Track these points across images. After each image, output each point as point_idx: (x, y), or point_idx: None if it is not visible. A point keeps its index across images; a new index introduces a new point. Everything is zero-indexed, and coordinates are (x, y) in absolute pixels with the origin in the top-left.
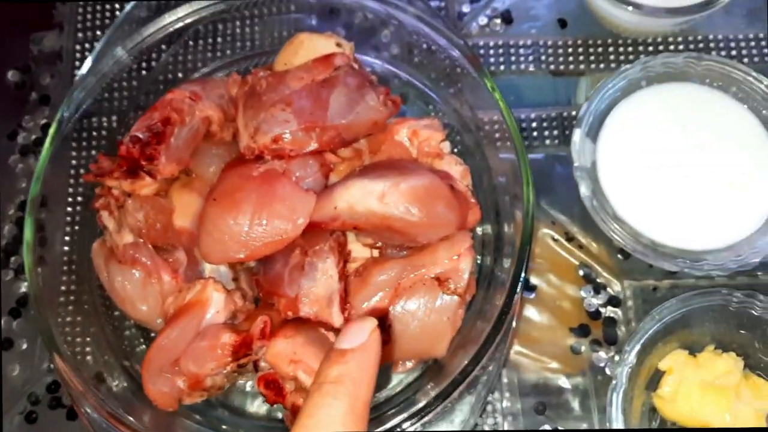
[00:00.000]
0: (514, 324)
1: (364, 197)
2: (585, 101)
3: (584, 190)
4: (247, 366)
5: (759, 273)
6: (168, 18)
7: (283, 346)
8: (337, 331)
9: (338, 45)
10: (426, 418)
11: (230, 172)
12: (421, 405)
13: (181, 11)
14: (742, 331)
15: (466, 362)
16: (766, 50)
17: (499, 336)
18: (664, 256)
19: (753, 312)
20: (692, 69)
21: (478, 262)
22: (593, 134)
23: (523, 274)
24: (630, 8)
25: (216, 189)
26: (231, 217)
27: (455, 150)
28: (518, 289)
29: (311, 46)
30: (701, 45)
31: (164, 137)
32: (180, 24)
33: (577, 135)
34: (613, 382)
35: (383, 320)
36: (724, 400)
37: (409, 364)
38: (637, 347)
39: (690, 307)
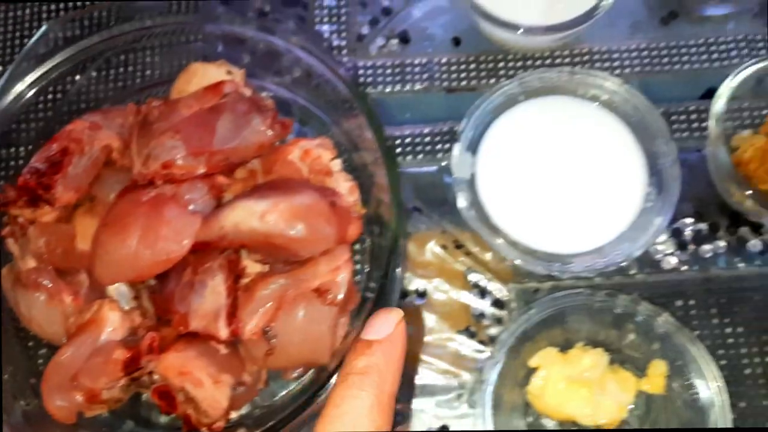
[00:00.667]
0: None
1: (247, 217)
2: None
3: (462, 201)
4: (142, 379)
5: (633, 272)
6: (74, 49)
7: (172, 360)
8: (226, 344)
9: (229, 73)
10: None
11: (123, 198)
12: (291, 409)
13: (87, 42)
14: (608, 328)
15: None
16: (646, 60)
17: None
18: (535, 260)
19: (615, 310)
20: (566, 82)
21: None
22: (473, 147)
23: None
24: (508, 30)
25: (108, 214)
26: (119, 241)
27: (346, 167)
28: (392, 296)
29: (203, 75)
30: (586, 57)
31: (61, 167)
32: (87, 54)
33: (457, 148)
34: (483, 380)
35: (267, 332)
36: (587, 393)
37: (296, 373)
38: (505, 348)
39: (555, 308)
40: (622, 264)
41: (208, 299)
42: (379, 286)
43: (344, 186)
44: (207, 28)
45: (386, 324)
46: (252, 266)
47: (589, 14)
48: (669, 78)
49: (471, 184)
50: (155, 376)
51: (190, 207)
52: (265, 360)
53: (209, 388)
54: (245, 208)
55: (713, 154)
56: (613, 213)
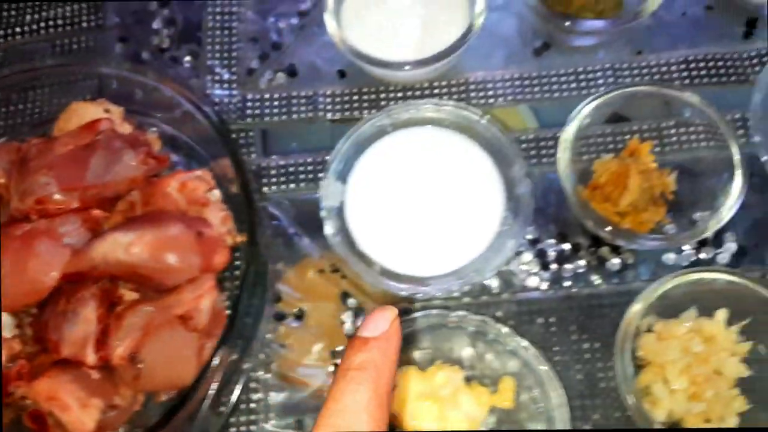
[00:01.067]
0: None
1: (115, 248)
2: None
3: (328, 228)
4: (25, 402)
5: (498, 291)
6: None
7: (42, 386)
8: (98, 369)
9: (107, 111)
10: None
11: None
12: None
13: None
14: (465, 346)
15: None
16: (518, 90)
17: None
18: (395, 283)
19: (469, 328)
20: (433, 114)
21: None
22: (343, 177)
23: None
24: (380, 68)
25: None
26: None
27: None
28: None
29: (83, 114)
30: (462, 87)
31: None
32: None
33: (326, 177)
34: None
35: (135, 357)
36: (438, 410)
37: (165, 396)
38: None
39: (411, 328)
40: (476, 284)
41: (80, 327)
42: (233, 308)
43: (217, 216)
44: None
45: (382, 321)
46: (129, 294)
47: (454, 47)
48: (540, 105)
49: (340, 211)
50: (27, 401)
51: (64, 240)
52: (134, 384)
53: (76, 412)
54: (113, 241)
55: (563, 180)
56: (471, 237)
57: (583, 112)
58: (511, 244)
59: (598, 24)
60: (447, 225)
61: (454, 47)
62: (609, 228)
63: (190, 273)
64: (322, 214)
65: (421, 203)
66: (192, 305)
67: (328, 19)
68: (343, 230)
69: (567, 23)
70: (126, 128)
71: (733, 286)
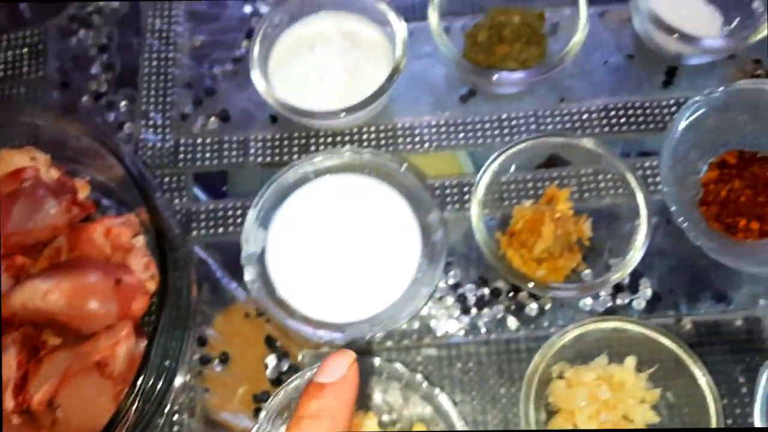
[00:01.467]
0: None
1: (33, 296)
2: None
3: (248, 275)
4: None
5: (418, 336)
6: None
7: None
8: (19, 414)
9: (33, 158)
10: None
11: None
12: None
13: None
14: (378, 392)
15: None
16: (444, 135)
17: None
18: (315, 329)
19: (383, 374)
20: (354, 161)
21: None
22: (265, 223)
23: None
24: (305, 118)
25: None
26: None
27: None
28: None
29: (9, 162)
30: (390, 133)
31: None
32: None
33: (248, 223)
34: None
35: (52, 403)
36: None
37: None
38: (269, 416)
39: None
40: (391, 330)
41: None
42: (146, 352)
43: (140, 262)
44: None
45: (339, 367)
46: (53, 339)
47: (378, 93)
48: (471, 150)
49: (261, 258)
50: None
51: None
52: (51, 430)
53: None
54: (32, 288)
55: (475, 231)
56: (387, 284)
57: (498, 161)
58: (425, 291)
59: (519, 75)
60: (364, 272)
61: (379, 93)
62: (522, 280)
63: (108, 320)
64: (243, 260)
65: (340, 250)
66: (108, 352)
67: (254, 74)
68: (263, 276)
69: (491, 76)
70: (53, 175)
71: (643, 334)
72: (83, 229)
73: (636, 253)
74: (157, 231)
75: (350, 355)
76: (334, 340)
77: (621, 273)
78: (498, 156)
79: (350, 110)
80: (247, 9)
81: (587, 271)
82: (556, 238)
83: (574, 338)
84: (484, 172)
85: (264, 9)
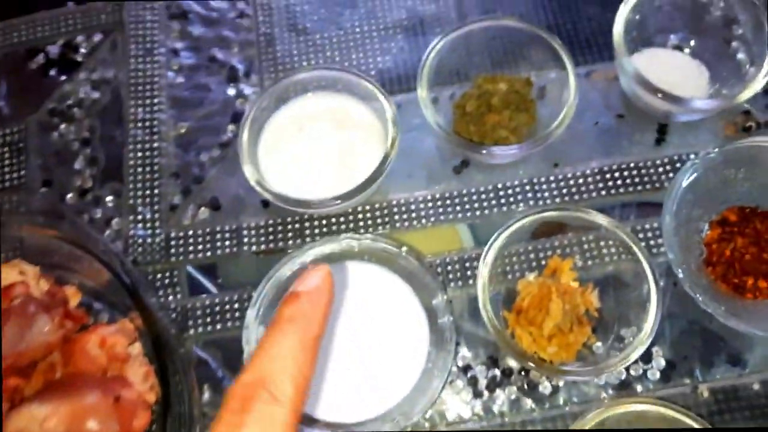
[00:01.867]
0: None
1: (30, 423)
2: (255, 291)
3: None
4: None
5: (428, 426)
6: None
7: None
8: None
9: (21, 273)
10: None
11: None
12: None
13: None
14: None
15: None
16: (441, 209)
17: None
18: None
19: None
20: (352, 247)
21: None
22: (265, 320)
23: None
24: (296, 207)
25: None
26: None
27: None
28: None
29: None
30: (386, 210)
31: None
32: None
33: (248, 321)
34: None
35: None
36: None
37: None
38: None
39: None
40: (403, 428)
41: None
42: None
43: (138, 373)
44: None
45: (314, 277)
46: None
47: (372, 179)
48: (469, 223)
49: None
50: None
51: None
52: None
53: None
54: (28, 415)
55: (484, 316)
56: (396, 377)
57: (500, 239)
58: (437, 382)
59: (512, 150)
60: (371, 366)
61: (372, 178)
62: (535, 364)
63: None
64: (245, 359)
65: (344, 344)
66: None
67: (246, 167)
68: None
69: (483, 151)
70: (43, 287)
71: (663, 415)
72: (77, 341)
73: (650, 327)
74: (154, 338)
75: (325, 268)
76: None
77: (639, 349)
78: (499, 235)
79: (344, 197)
80: (231, 91)
81: (598, 344)
82: (565, 312)
83: (596, 425)
84: (487, 252)
85: (248, 90)
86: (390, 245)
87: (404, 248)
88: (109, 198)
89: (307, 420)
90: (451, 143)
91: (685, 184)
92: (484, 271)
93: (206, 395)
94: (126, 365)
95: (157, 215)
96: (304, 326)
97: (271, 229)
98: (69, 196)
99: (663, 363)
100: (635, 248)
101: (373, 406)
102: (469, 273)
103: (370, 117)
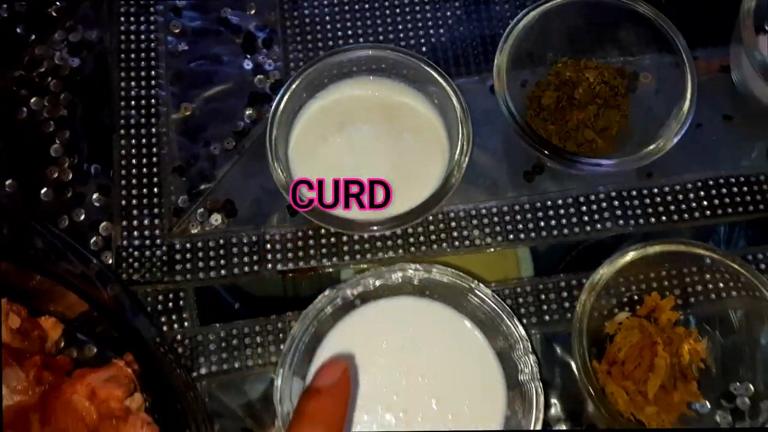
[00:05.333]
0: None
1: None
2: (288, 335)
3: None
4: None
5: None
6: None
7: None
8: None
9: None
10: None
11: None
12: None
13: None
14: None
15: None
16: (510, 227)
17: None
18: None
19: None
20: (411, 279)
21: None
22: (303, 371)
23: None
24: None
25: None
26: None
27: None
28: None
29: None
30: (441, 225)
31: None
32: None
33: (280, 377)
34: None
35: None
36: None
37: None
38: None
39: None
40: None
41: None
42: None
43: None
44: None
45: (333, 372)
46: None
47: (434, 200)
48: (537, 244)
49: None
50: None
51: None
52: None
53: None
54: None
55: (577, 357)
56: None
57: (609, 271)
58: None
59: (602, 168)
60: (435, 428)
61: (433, 200)
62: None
63: None
64: (277, 423)
65: (402, 403)
66: None
67: (274, 166)
68: None
69: (566, 159)
70: (14, 322)
71: None
72: (59, 393)
73: None
74: (161, 390)
75: (344, 363)
76: None
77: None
78: (609, 266)
79: (396, 221)
80: (247, 65)
81: (704, 403)
82: (672, 366)
83: None
84: (595, 283)
85: (268, 65)
86: (460, 279)
87: (475, 282)
88: (94, 196)
89: None
90: (527, 144)
91: None
92: (585, 305)
93: None
94: (124, 425)
95: (156, 221)
96: (328, 422)
97: (300, 243)
98: (43, 191)
99: None
100: (756, 283)
101: None
102: (532, 309)
103: (429, 112)
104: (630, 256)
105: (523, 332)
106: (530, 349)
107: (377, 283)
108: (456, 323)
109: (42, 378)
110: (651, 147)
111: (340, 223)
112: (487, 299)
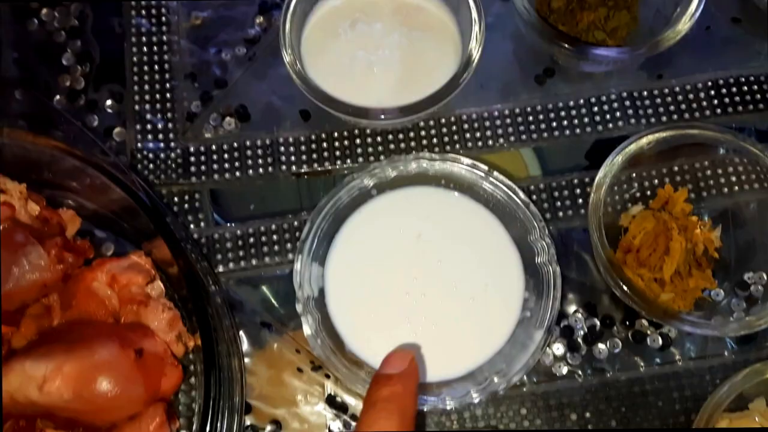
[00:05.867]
0: None
1: (23, 385)
2: (307, 221)
3: (307, 328)
4: None
5: (518, 384)
6: None
7: None
8: None
9: (2, 191)
10: None
11: None
12: None
13: None
14: None
15: None
16: (521, 128)
17: None
18: None
19: None
20: (426, 170)
21: None
22: (321, 257)
23: None
24: (348, 115)
25: None
26: None
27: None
28: None
29: None
30: (454, 127)
31: None
32: None
33: (300, 262)
34: None
35: None
36: None
37: None
38: None
39: None
40: (501, 392)
41: None
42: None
43: (162, 318)
44: None
45: (402, 360)
46: None
47: (447, 90)
48: (547, 145)
49: (320, 302)
50: None
51: None
52: None
53: None
54: (22, 374)
55: (593, 243)
56: (486, 328)
57: (619, 156)
58: (538, 335)
59: (612, 54)
60: (455, 315)
61: (446, 90)
62: (651, 306)
63: (132, 408)
64: (298, 308)
65: (421, 288)
66: None
67: (286, 53)
68: (327, 328)
69: (575, 50)
70: (32, 209)
71: None
72: (80, 279)
73: None
74: (184, 273)
75: (410, 353)
76: (424, 405)
77: None
78: (616, 156)
79: (410, 110)
80: None
81: (718, 291)
82: (687, 252)
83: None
84: (604, 175)
85: None
86: (475, 168)
87: (493, 173)
88: (108, 103)
89: None
90: (539, 36)
91: None
92: (599, 197)
93: (244, 346)
94: (145, 310)
95: (170, 125)
96: (402, 408)
97: (314, 146)
98: (56, 99)
99: None
100: None
101: (459, 363)
102: (545, 206)
103: (441, 11)
104: (644, 140)
105: (539, 215)
106: (546, 233)
107: (393, 173)
108: (472, 210)
109: (63, 258)
110: (660, 37)
111: (354, 111)
112: (502, 186)
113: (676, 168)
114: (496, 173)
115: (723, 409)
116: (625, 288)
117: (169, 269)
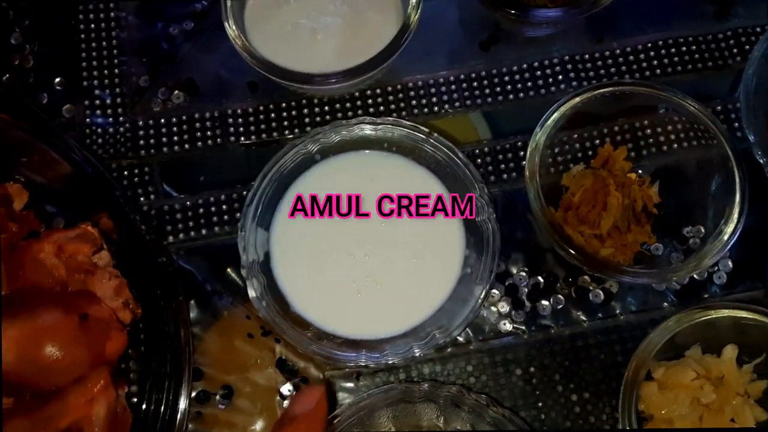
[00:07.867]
0: None
1: None
2: (251, 187)
3: (252, 291)
4: None
5: (464, 341)
6: None
7: None
8: None
9: None
10: None
11: None
12: None
13: None
14: (434, 421)
15: None
16: (466, 93)
17: None
18: (342, 352)
19: (440, 401)
20: (369, 135)
21: None
22: (266, 222)
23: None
24: (293, 83)
25: None
26: None
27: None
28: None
29: None
30: (400, 95)
31: None
32: None
33: (246, 226)
34: None
35: None
36: None
37: None
38: None
39: (366, 410)
40: (441, 344)
41: None
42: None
43: (108, 286)
44: None
45: (309, 399)
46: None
47: (387, 53)
48: (493, 109)
49: (265, 265)
50: None
51: None
52: None
53: None
54: None
55: (531, 201)
56: (428, 286)
57: (553, 116)
58: (478, 290)
59: (552, 13)
60: (398, 274)
61: (388, 53)
62: (590, 260)
63: (76, 370)
64: (243, 272)
65: (365, 248)
66: (81, 412)
67: (230, 29)
68: (272, 290)
69: (516, 13)
70: None
71: (742, 320)
72: (27, 250)
73: (733, 226)
74: (128, 241)
75: (319, 389)
76: (369, 362)
77: (718, 252)
78: (548, 116)
79: (351, 74)
80: None
81: (657, 245)
82: (624, 208)
83: (665, 333)
84: (537, 136)
85: None
86: (417, 131)
87: (434, 135)
88: (57, 80)
89: (322, 336)
90: (482, 4)
91: (763, 55)
92: (534, 159)
93: (193, 313)
94: (91, 278)
95: (119, 100)
96: None
97: (262, 117)
98: (5, 77)
99: (730, 265)
100: (709, 126)
101: (402, 320)
102: (490, 168)
103: None
104: (577, 99)
105: (479, 176)
106: (486, 192)
107: (336, 137)
108: (414, 172)
109: (6, 227)
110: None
111: (299, 78)
112: (442, 147)
113: (616, 128)
114: (436, 135)
115: (656, 351)
116: (564, 244)
117: (116, 239)
